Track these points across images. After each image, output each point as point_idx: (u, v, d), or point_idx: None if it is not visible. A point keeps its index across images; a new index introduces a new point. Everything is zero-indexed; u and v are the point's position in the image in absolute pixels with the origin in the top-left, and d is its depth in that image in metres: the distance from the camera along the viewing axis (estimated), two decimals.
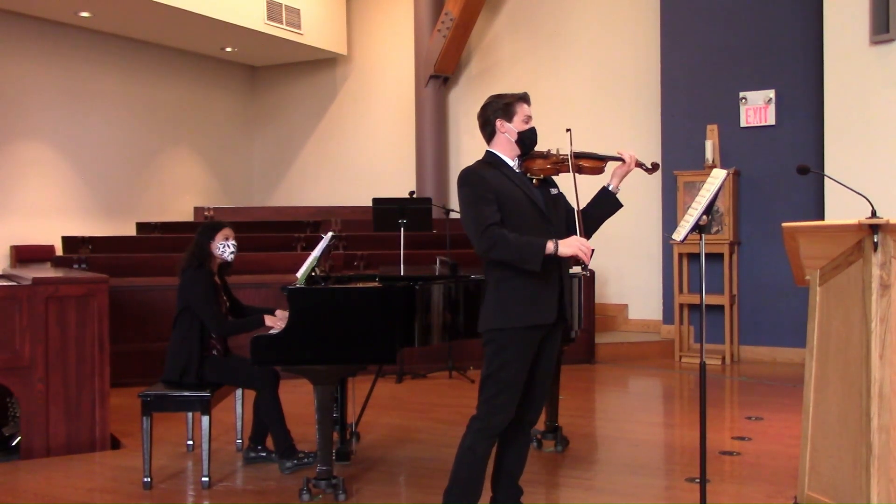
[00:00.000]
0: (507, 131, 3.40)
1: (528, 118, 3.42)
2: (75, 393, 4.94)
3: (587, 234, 3.43)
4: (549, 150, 3.49)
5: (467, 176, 3.35)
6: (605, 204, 3.52)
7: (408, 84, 11.00)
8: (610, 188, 3.51)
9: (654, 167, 3.61)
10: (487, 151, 3.46)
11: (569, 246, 3.21)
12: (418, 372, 7.37)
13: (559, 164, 3.45)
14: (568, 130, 3.48)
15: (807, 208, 7.70)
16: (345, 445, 4.80)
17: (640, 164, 3.54)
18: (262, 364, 4.11)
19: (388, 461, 4.82)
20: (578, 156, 3.49)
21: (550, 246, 3.20)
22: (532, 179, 3.44)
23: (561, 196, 3.51)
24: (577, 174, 3.47)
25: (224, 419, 5.40)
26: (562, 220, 3.46)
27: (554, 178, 3.54)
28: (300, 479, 4.19)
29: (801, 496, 3.31)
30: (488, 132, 3.45)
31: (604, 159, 3.53)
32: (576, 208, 3.43)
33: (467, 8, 9.75)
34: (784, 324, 7.98)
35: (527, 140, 3.42)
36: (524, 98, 3.45)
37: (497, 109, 3.41)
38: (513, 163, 3.43)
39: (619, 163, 3.50)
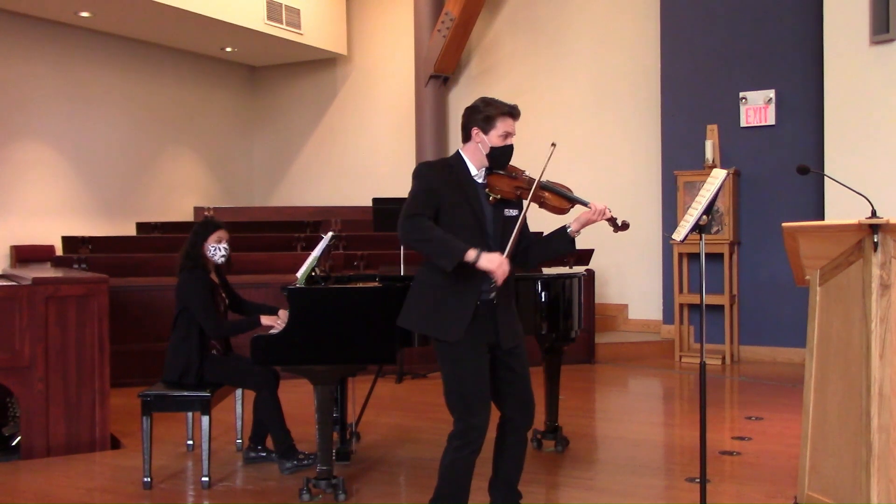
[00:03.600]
0: (481, 142, 3.32)
1: (508, 134, 3.32)
2: (75, 393, 4.94)
3: (515, 255, 3.30)
4: (520, 172, 3.39)
5: (422, 168, 3.34)
6: (558, 243, 3.41)
7: (408, 84, 10.99)
8: (569, 230, 3.37)
9: (624, 226, 3.36)
10: (458, 152, 3.41)
11: (490, 261, 3.11)
12: (418, 372, 7.37)
13: (521, 189, 3.35)
14: (553, 145, 3.33)
15: (807, 208, 7.70)
16: (345, 445, 4.80)
17: (611, 219, 3.35)
18: (263, 364, 4.11)
19: (388, 461, 4.82)
20: (546, 187, 3.38)
21: (472, 253, 3.10)
22: (489, 196, 3.34)
23: (515, 219, 3.36)
24: (538, 205, 3.37)
25: (224, 419, 5.40)
26: (507, 242, 3.27)
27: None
28: (300, 479, 4.19)
29: (801, 496, 3.31)
30: (465, 135, 3.39)
31: (572, 201, 3.40)
32: (521, 217, 3.31)
33: (467, 8, 9.75)
34: (784, 324, 7.98)
35: (498, 157, 3.33)
36: (511, 113, 3.33)
37: (477, 118, 3.32)
38: (476, 172, 3.36)
39: (586, 208, 3.36)
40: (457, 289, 3.27)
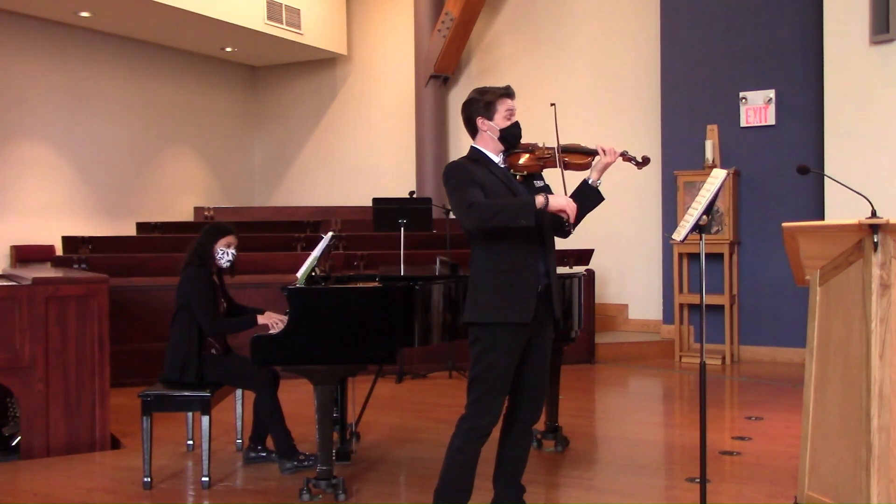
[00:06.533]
0: (489, 129, 3.39)
1: (511, 113, 3.40)
2: (75, 393, 4.94)
3: (559, 225, 3.40)
4: (534, 144, 3.48)
5: (451, 168, 3.36)
6: (586, 197, 3.42)
7: (408, 84, 11.00)
8: (590, 182, 3.44)
9: (645, 161, 3.52)
10: (472, 147, 3.45)
11: (557, 201, 3.19)
12: (418, 372, 7.37)
13: (545, 159, 3.45)
14: (552, 105, 3.50)
15: (807, 208, 7.70)
16: (345, 445, 4.80)
17: (629, 158, 3.47)
18: (263, 364, 4.11)
19: (388, 461, 4.82)
20: (564, 150, 3.45)
21: (541, 199, 3.17)
22: (516, 175, 3.44)
23: (546, 189, 3.48)
24: (564, 168, 3.45)
25: (224, 419, 5.40)
26: (549, 215, 3.35)
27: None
28: (300, 479, 4.19)
29: (801, 496, 3.31)
30: (471, 129, 3.45)
31: (590, 153, 3.46)
32: (562, 180, 3.41)
33: (467, 8, 9.76)
34: (784, 324, 7.98)
35: (509, 137, 3.41)
36: (507, 93, 3.42)
37: (478, 107, 3.39)
38: (497, 158, 3.43)
39: (598, 156, 3.45)
40: (517, 268, 3.30)
